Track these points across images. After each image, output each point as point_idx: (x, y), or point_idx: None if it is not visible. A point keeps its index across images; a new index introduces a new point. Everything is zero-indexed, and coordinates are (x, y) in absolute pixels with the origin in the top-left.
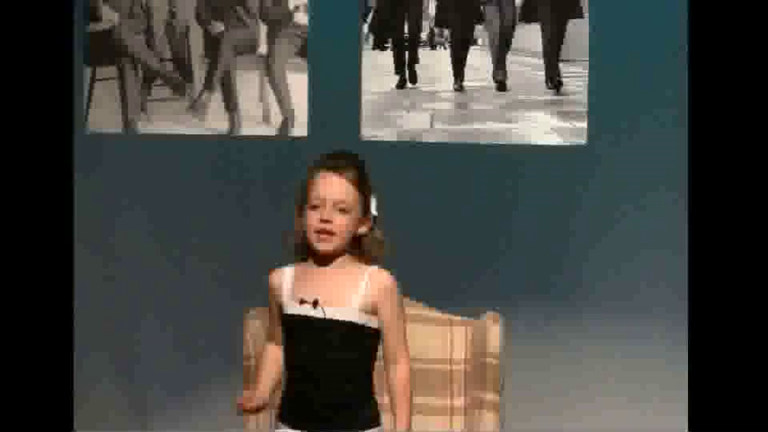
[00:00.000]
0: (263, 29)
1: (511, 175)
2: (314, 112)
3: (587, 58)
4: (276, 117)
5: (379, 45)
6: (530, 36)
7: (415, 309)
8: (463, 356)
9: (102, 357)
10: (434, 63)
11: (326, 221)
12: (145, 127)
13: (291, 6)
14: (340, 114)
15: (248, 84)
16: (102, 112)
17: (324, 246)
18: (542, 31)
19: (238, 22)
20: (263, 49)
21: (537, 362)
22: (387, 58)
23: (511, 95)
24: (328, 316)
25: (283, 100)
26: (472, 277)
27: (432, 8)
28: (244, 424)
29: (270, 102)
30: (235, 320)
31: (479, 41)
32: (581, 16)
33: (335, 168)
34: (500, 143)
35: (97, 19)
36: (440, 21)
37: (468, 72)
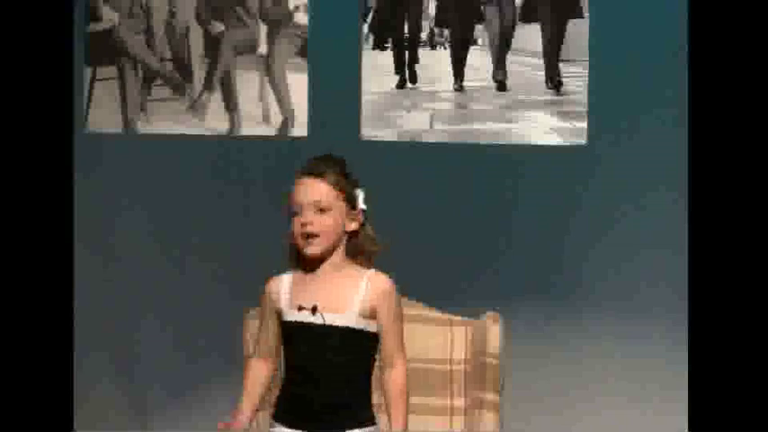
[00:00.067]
0: (263, 29)
1: (511, 175)
2: (314, 112)
3: (587, 58)
4: (276, 117)
5: (379, 45)
6: (530, 36)
7: (414, 309)
8: (463, 356)
9: (102, 357)
10: (434, 63)
11: (307, 224)
12: (145, 127)
13: (291, 6)
14: (340, 114)
15: (248, 84)
16: (102, 112)
17: (311, 249)
18: (542, 31)
19: (238, 22)
20: (263, 49)
21: (537, 362)
22: (387, 58)
23: (511, 95)
24: (327, 322)
25: (283, 100)
26: (472, 277)
27: (432, 8)
28: None
29: (270, 102)
30: (235, 320)
31: (479, 41)
32: (581, 16)
33: (310, 172)
34: (500, 143)
35: (97, 19)
36: (440, 21)
37: (468, 72)
